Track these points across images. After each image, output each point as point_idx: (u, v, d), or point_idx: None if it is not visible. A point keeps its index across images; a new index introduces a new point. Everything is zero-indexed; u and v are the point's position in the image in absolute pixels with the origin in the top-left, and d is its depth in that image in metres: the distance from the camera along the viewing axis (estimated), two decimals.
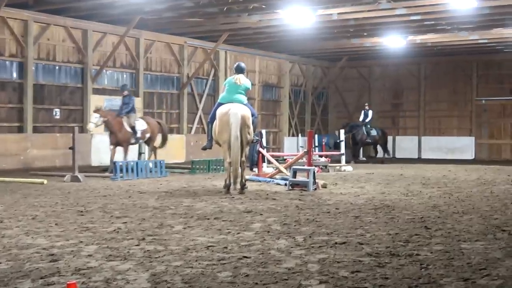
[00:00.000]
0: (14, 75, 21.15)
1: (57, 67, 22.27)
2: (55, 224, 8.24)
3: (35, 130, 21.51)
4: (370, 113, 26.90)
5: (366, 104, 28.02)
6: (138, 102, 24.35)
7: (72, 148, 15.77)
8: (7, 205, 10.40)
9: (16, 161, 20.41)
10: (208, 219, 8.72)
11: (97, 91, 23.35)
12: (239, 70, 13.01)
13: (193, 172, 18.78)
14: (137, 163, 16.96)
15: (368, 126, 26.70)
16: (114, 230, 7.68)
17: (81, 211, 9.58)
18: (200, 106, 27.77)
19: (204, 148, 13.35)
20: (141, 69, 24.88)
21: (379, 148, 28.22)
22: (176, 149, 25.59)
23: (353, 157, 25.81)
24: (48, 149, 21.25)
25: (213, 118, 12.87)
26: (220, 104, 12.82)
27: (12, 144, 20.47)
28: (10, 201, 11.00)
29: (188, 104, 27.23)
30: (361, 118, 27.18)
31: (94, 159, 22.38)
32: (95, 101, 22.85)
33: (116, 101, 23.49)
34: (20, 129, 21.22)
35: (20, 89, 21.22)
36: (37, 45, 21.62)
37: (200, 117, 27.74)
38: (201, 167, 19.18)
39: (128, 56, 24.67)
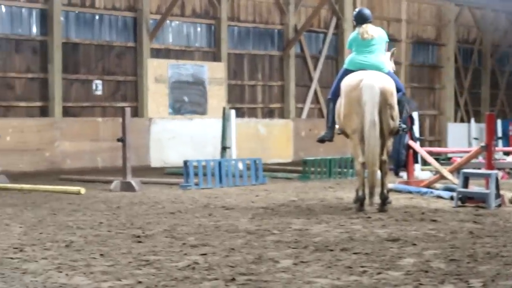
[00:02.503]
0: (34, 29, 21.81)
1: (96, 17, 22.81)
2: (100, 255, 8.46)
3: (66, 113, 22.17)
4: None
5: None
6: (219, 70, 24.60)
7: (122, 140, 16.09)
8: (28, 226, 10.75)
9: (38, 159, 21.03)
10: (332, 250, 8.75)
11: (157, 53, 23.75)
12: (362, 19, 12.91)
13: (306, 178, 18.85)
14: (219, 163, 17.17)
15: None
16: (189, 266, 7.82)
17: (138, 236, 9.78)
18: (316, 76, 27.81)
19: (322, 140, 13.35)
20: (223, 19, 25.12)
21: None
22: (278, 142, 25.69)
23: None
24: (85, 141, 21.77)
25: (336, 94, 12.88)
26: (347, 71, 12.81)
27: (32, 134, 21.04)
28: (33, 220, 11.36)
29: (297, 72, 27.32)
30: None
31: (155, 156, 22.80)
32: (154, 67, 23.22)
33: (186, 68, 23.79)
34: (44, 112, 21.90)
35: (43, 50, 21.85)
36: None
37: (315, 92, 27.78)
38: (318, 169, 19.22)
39: None
